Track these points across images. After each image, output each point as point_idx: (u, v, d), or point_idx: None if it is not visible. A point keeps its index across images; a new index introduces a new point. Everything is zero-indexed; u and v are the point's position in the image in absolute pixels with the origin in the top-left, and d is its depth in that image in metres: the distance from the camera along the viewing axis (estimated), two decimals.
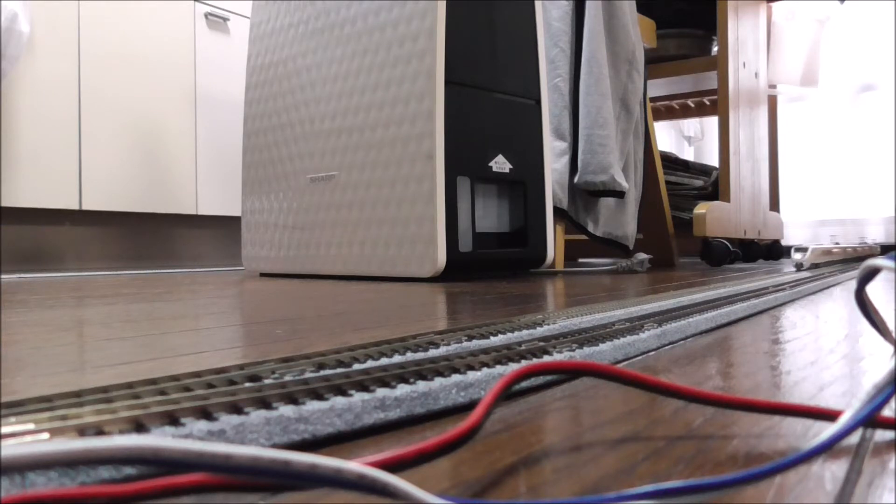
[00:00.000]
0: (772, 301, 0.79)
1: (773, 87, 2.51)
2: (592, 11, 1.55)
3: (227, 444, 0.20)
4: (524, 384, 0.35)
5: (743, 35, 2.15)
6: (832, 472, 0.23)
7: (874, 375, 0.28)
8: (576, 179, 1.55)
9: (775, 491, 0.21)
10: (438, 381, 0.33)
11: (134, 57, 1.86)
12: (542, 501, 0.21)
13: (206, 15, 2.01)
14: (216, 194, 2.06)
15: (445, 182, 1.16)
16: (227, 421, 0.27)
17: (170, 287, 1.15)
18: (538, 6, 1.37)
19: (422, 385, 0.32)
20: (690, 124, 3.38)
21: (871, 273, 0.30)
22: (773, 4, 2.47)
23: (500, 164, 1.26)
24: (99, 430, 0.25)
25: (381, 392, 0.31)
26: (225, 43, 2.06)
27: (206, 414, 0.27)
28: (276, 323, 0.62)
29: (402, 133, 1.20)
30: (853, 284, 0.32)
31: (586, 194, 1.59)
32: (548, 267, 1.42)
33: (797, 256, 1.55)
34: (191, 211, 2.00)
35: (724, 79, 2.04)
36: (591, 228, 1.62)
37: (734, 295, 0.81)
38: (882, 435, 0.27)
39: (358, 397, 0.30)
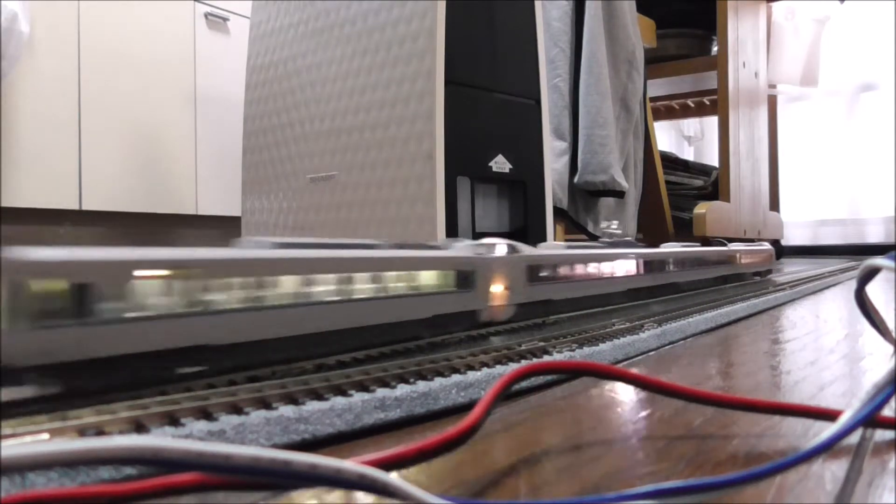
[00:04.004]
0: (772, 301, 0.79)
1: (773, 87, 2.50)
2: (592, 11, 1.55)
3: (227, 444, 0.20)
4: (524, 384, 0.35)
5: (743, 35, 2.15)
6: (832, 471, 0.23)
7: (874, 375, 0.28)
8: (576, 179, 1.55)
9: (775, 491, 0.21)
10: (438, 381, 0.33)
11: (134, 57, 1.86)
12: (542, 501, 0.21)
13: (206, 15, 2.01)
14: (216, 194, 2.06)
15: (445, 182, 1.16)
16: (227, 421, 0.27)
17: None
18: (538, 6, 1.37)
19: (422, 385, 0.32)
20: (690, 124, 3.38)
21: (871, 273, 0.30)
22: (773, 4, 2.47)
23: (500, 163, 1.26)
24: (99, 430, 0.25)
25: (381, 392, 0.31)
26: (225, 43, 2.06)
27: (206, 414, 0.27)
28: None
29: (402, 133, 1.20)
30: (853, 284, 0.32)
31: (586, 194, 1.59)
32: None
33: None
34: (191, 211, 2.00)
35: (723, 79, 2.03)
36: (591, 228, 1.62)
37: (735, 296, 0.81)
38: (882, 435, 0.26)
39: (358, 397, 0.30)
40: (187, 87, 1.99)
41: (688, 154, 3.20)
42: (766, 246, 1.24)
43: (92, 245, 0.33)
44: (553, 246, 0.65)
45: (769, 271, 1.22)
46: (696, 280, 0.90)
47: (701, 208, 1.88)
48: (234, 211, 2.09)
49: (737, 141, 2.08)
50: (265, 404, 0.28)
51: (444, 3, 1.13)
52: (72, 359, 0.28)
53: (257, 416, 0.27)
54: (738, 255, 1.07)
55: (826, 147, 2.97)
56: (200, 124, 2.03)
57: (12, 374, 0.26)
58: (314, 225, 1.37)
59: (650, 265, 0.76)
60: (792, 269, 1.63)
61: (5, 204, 1.63)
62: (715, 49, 2.24)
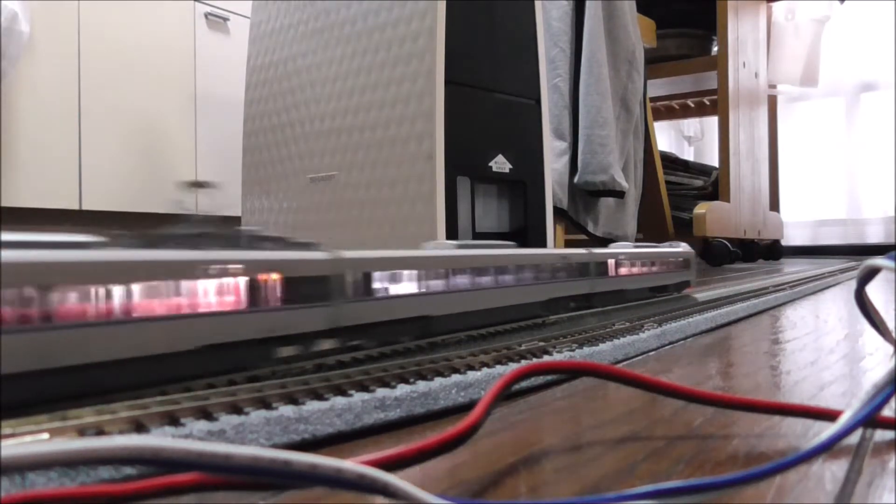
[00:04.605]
0: (772, 301, 0.79)
1: (773, 87, 2.50)
2: (592, 11, 1.55)
3: (227, 444, 0.20)
4: (524, 384, 0.35)
5: (743, 35, 2.14)
6: (832, 472, 0.23)
7: (874, 375, 0.28)
8: (576, 179, 1.55)
9: (775, 491, 0.21)
10: (438, 381, 0.33)
11: (134, 57, 1.86)
12: (542, 502, 0.21)
13: (206, 15, 2.01)
14: (216, 194, 2.06)
15: (445, 182, 1.16)
16: (227, 421, 0.26)
17: None
18: (538, 6, 1.37)
19: (421, 385, 0.32)
20: (690, 124, 3.38)
21: (871, 273, 0.30)
22: (773, 4, 2.47)
23: (500, 164, 1.26)
24: (99, 430, 0.25)
25: (381, 392, 0.31)
26: (225, 43, 2.06)
27: (206, 414, 0.27)
28: None
29: (402, 133, 1.20)
30: (853, 284, 0.32)
31: (586, 194, 1.59)
32: None
33: None
34: (191, 211, 2.00)
35: (724, 79, 2.03)
36: (591, 228, 1.62)
37: (734, 295, 0.81)
38: (882, 435, 0.26)
39: (358, 397, 0.30)
40: (187, 87, 1.99)
41: (688, 154, 3.20)
42: (681, 247, 0.83)
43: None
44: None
45: (685, 284, 0.82)
46: (492, 309, 0.50)
47: (701, 208, 1.88)
48: (235, 211, 2.09)
49: (737, 141, 2.08)
50: (265, 404, 0.28)
51: (444, 3, 1.13)
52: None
53: (257, 416, 0.27)
54: (609, 262, 0.65)
55: (826, 147, 2.97)
56: (200, 124, 2.03)
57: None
58: (314, 225, 1.37)
59: (317, 287, 0.37)
60: (791, 269, 1.63)
61: (5, 204, 1.63)
62: (715, 49, 2.24)
